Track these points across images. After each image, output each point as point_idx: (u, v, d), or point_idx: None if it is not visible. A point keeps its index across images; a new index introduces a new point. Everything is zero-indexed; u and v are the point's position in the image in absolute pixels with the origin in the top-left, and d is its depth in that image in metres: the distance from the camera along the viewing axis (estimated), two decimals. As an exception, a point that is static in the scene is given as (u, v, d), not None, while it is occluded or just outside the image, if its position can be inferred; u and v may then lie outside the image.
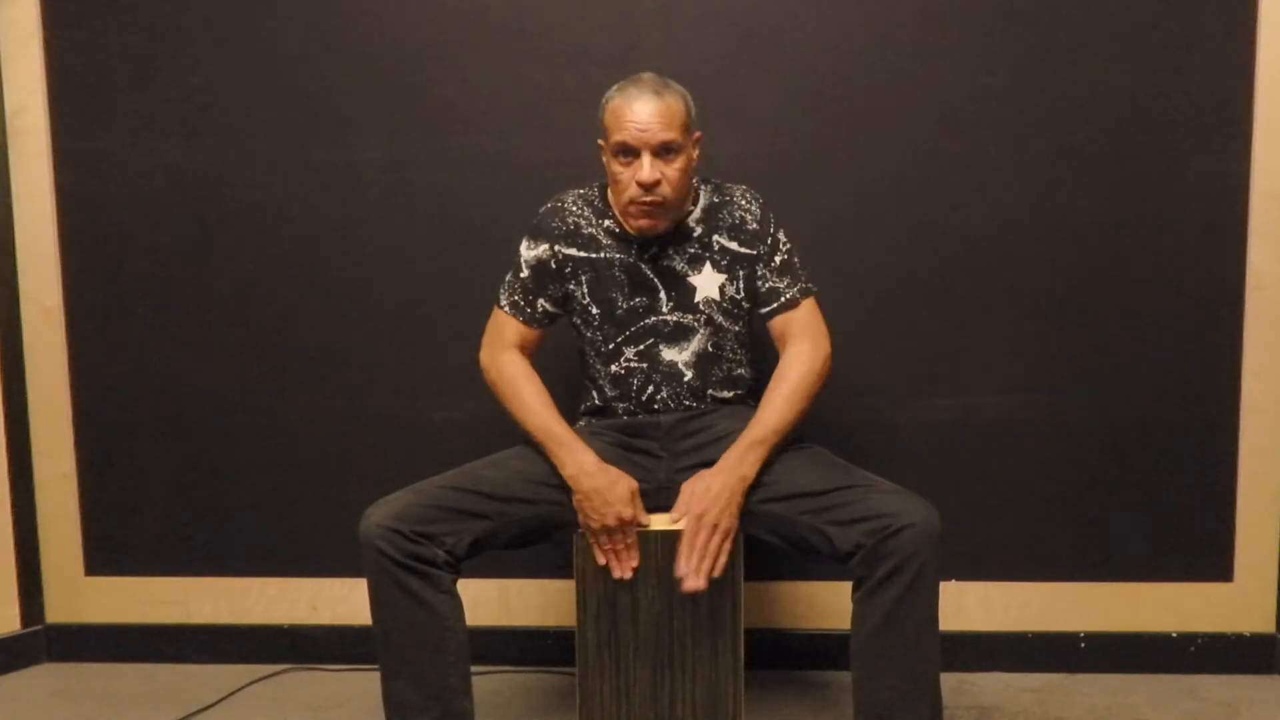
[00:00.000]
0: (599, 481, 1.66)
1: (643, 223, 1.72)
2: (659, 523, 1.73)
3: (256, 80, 2.16)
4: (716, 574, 1.65)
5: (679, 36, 2.11)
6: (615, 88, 1.72)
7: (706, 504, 1.64)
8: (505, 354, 1.80)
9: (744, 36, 2.11)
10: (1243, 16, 2.05)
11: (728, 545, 1.66)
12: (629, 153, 1.68)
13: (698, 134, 1.74)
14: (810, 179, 2.13)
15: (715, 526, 1.64)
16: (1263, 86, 2.06)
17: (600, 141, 1.74)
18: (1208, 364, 2.14)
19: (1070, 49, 2.08)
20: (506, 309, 1.82)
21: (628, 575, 1.69)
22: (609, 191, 1.79)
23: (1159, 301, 2.13)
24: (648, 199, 1.68)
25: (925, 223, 2.13)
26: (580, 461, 1.68)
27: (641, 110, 1.66)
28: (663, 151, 1.67)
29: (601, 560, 1.70)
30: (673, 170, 1.69)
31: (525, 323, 1.82)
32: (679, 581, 1.63)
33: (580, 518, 1.69)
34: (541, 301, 1.81)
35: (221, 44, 2.16)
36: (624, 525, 1.67)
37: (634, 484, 1.69)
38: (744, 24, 2.11)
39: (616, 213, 1.77)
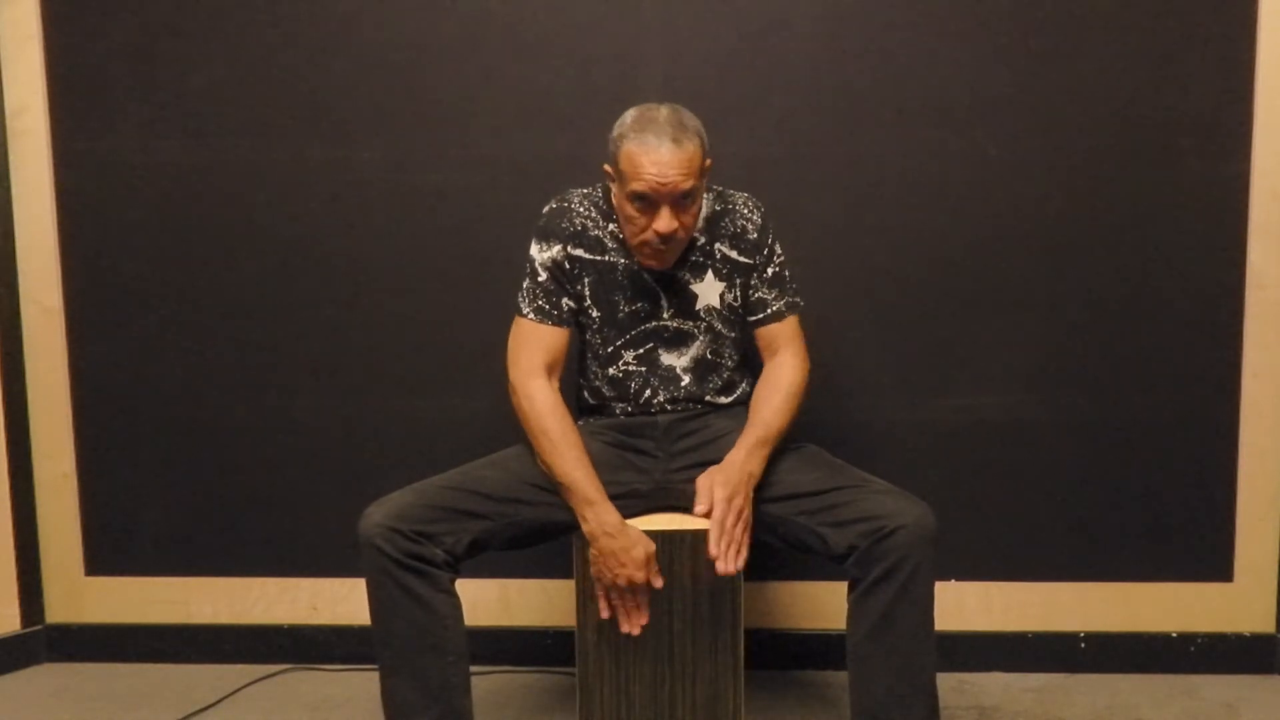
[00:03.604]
0: (616, 544, 1.64)
1: (653, 263, 1.72)
2: (657, 523, 1.73)
3: (256, 80, 2.16)
4: (741, 563, 1.61)
5: (679, 37, 2.11)
6: (629, 124, 1.64)
7: (732, 488, 1.62)
8: (535, 380, 1.72)
9: (744, 37, 2.11)
10: (1243, 16, 2.05)
11: (748, 537, 1.63)
12: (646, 201, 1.62)
13: (709, 163, 1.69)
14: (811, 179, 2.13)
15: (740, 512, 1.62)
16: (1263, 86, 2.06)
17: (607, 168, 1.71)
18: (1208, 364, 2.13)
19: (1070, 49, 2.08)
20: (531, 316, 1.75)
21: (636, 631, 1.68)
22: (613, 198, 1.78)
23: (1159, 301, 2.13)
24: (663, 245, 1.67)
25: (925, 223, 2.13)
26: (601, 520, 1.65)
27: (661, 163, 1.59)
28: (681, 199, 1.63)
29: (605, 614, 1.69)
30: (689, 216, 1.66)
31: (554, 324, 1.75)
32: (711, 565, 1.59)
33: (592, 570, 1.68)
34: (565, 300, 1.76)
35: (221, 44, 2.16)
36: (635, 587, 1.66)
37: (651, 547, 1.66)
38: (744, 24, 2.11)
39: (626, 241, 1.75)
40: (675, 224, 1.63)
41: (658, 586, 1.67)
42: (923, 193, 2.13)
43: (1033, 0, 2.07)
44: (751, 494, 1.65)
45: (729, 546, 1.60)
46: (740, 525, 1.62)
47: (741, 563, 1.61)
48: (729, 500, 1.61)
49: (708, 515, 1.62)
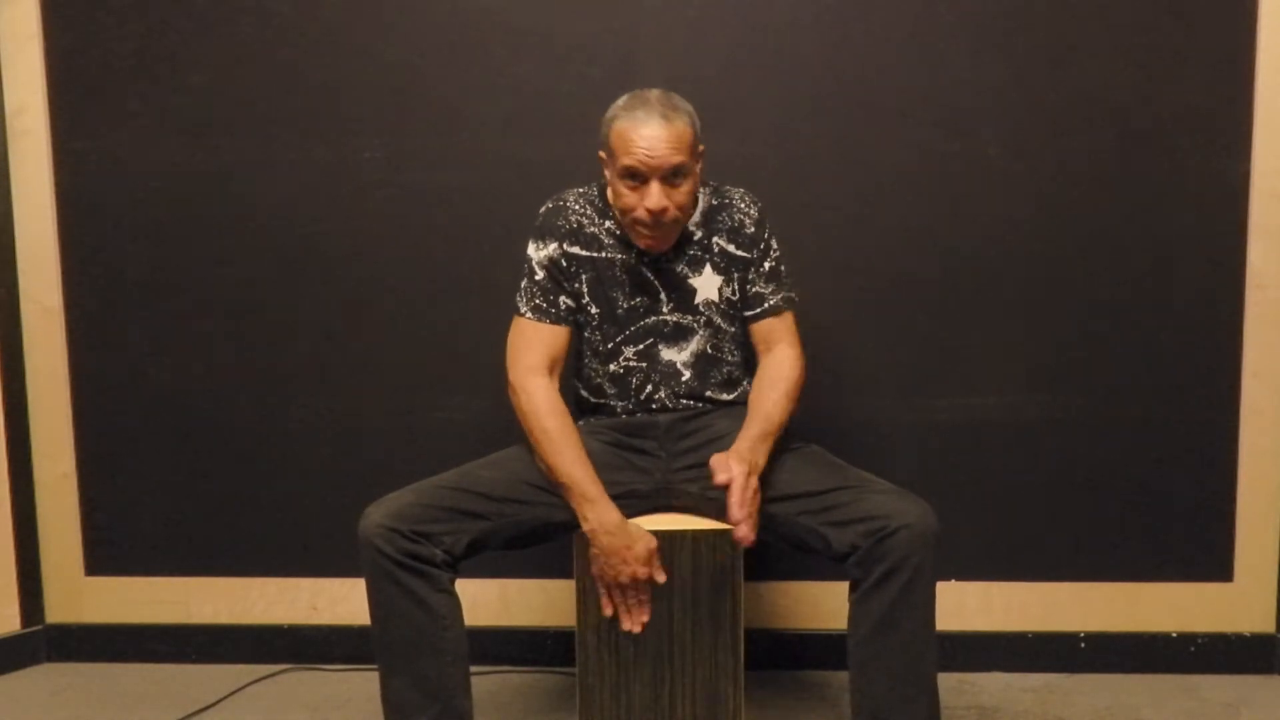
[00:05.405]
0: (618, 541, 1.65)
1: (648, 242, 1.72)
2: (657, 523, 1.73)
3: (256, 79, 2.16)
4: (753, 534, 1.60)
5: (679, 36, 2.11)
6: (620, 105, 1.68)
7: (748, 465, 1.60)
8: (534, 378, 1.73)
9: (744, 36, 2.11)
10: (1243, 16, 2.05)
11: (756, 519, 1.61)
12: (637, 177, 1.65)
13: (701, 148, 1.71)
14: (811, 179, 2.13)
15: (755, 490, 1.60)
16: (1263, 86, 2.06)
17: (602, 154, 1.72)
18: (1208, 364, 2.13)
19: (1070, 49, 2.08)
20: (530, 315, 1.76)
21: (637, 629, 1.70)
22: (608, 193, 1.79)
23: (1159, 301, 2.13)
24: (655, 224, 1.67)
25: (925, 223, 2.13)
26: (602, 518, 1.66)
27: (650, 136, 1.62)
28: (671, 176, 1.64)
29: (608, 611, 1.70)
30: (680, 193, 1.67)
31: (553, 323, 1.76)
32: (735, 527, 1.58)
33: (593, 568, 1.69)
34: (563, 299, 1.77)
35: (221, 44, 2.16)
36: (637, 584, 1.67)
37: (653, 543, 1.67)
38: (744, 23, 2.11)
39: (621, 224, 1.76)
40: (665, 201, 1.64)
41: (660, 581, 1.68)
42: (923, 193, 2.13)
43: (1033, 0, 2.07)
44: (758, 482, 1.64)
45: (748, 515, 1.59)
46: (755, 499, 1.61)
47: (754, 532, 1.60)
48: (746, 475, 1.60)
49: (725, 486, 1.59)
